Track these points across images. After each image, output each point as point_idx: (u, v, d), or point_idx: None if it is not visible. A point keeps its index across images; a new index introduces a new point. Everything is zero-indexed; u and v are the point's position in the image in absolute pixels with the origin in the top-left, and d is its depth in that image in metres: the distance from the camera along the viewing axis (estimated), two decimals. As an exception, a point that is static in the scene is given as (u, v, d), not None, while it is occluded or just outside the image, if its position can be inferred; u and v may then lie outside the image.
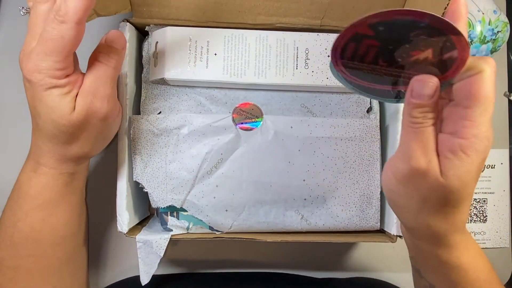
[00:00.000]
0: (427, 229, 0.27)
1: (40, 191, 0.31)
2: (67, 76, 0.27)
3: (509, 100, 0.50)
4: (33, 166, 0.31)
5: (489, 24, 0.46)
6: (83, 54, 0.30)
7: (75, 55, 0.29)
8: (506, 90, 0.50)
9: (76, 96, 0.28)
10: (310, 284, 0.45)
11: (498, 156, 0.50)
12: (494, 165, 0.50)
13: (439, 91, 0.24)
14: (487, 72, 0.23)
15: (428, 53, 0.23)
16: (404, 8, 0.22)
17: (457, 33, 0.22)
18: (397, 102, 0.28)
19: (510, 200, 0.49)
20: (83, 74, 0.29)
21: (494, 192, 0.49)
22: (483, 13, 0.45)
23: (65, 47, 0.26)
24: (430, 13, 0.22)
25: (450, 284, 0.29)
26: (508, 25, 0.46)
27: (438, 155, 0.24)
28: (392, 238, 0.37)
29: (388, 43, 0.24)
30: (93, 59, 0.29)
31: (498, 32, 0.46)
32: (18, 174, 0.32)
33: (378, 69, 0.25)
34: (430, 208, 0.25)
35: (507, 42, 0.48)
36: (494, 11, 0.46)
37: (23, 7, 0.30)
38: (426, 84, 0.23)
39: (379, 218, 0.38)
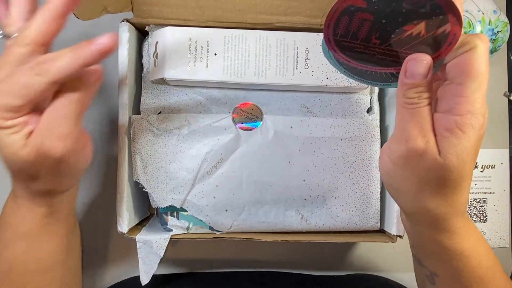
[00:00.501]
0: (427, 213, 0.26)
1: (20, 221, 0.29)
2: (18, 117, 0.24)
3: (509, 100, 0.50)
4: (12, 195, 0.29)
5: (489, 24, 0.46)
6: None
7: None
8: (506, 90, 0.50)
9: (30, 134, 0.25)
10: (312, 282, 0.45)
11: (498, 156, 0.50)
12: (494, 165, 0.50)
13: (433, 70, 0.23)
14: (480, 48, 0.22)
15: (421, 28, 0.23)
16: None
17: (451, 5, 0.22)
18: (389, 86, 0.28)
19: (510, 200, 0.49)
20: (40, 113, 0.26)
21: (494, 192, 0.49)
22: (483, 13, 0.45)
23: (28, 96, 0.24)
24: None
25: (452, 271, 0.28)
26: (508, 25, 0.46)
27: (435, 135, 0.24)
28: (392, 238, 0.37)
29: (381, 16, 0.23)
30: (58, 89, 0.25)
31: (498, 32, 0.46)
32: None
33: (371, 48, 0.25)
34: (429, 190, 0.25)
35: (507, 42, 0.48)
36: (494, 11, 0.46)
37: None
38: (420, 62, 0.23)
39: (379, 218, 0.38)
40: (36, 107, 0.25)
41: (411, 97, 0.24)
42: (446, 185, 0.24)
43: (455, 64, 0.23)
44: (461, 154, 0.23)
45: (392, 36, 0.24)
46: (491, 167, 0.50)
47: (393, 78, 0.27)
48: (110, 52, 0.25)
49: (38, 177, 0.27)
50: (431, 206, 0.25)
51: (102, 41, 0.25)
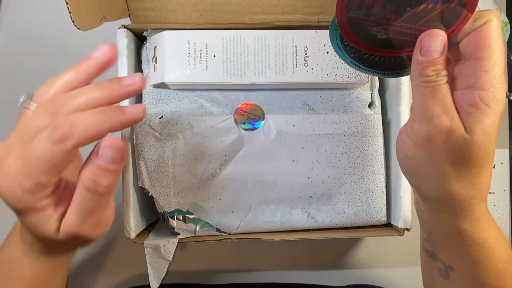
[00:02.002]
0: (451, 197, 0.24)
1: (34, 272, 0.29)
2: (47, 196, 0.24)
3: (509, 100, 0.50)
4: (24, 249, 0.28)
5: None
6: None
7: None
8: (506, 90, 0.50)
9: (63, 215, 0.24)
10: None
11: (498, 156, 0.50)
12: (494, 165, 0.49)
13: (447, 48, 0.23)
14: (494, 21, 0.22)
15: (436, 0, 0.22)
16: None
17: None
18: (398, 75, 0.27)
19: (510, 200, 0.49)
20: (70, 188, 0.25)
21: (494, 192, 0.49)
22: None
23: (51, 169, 0.22)
24: None
25: (470, 264, 0.26)
26: (508, 25, 0.46)
27: (457, 112, 0.23)
28: (399, 231, 0.37)
29: None
30: (80, 181, 0.24)
31: None
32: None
33: (384, 25, 0.24)
34: (456, 171, 0.23)
35: (507, 42, 0.48)
36: None
37: (25, 95, 0.24)
38: (435, 38, 0.22)
39: (386, 212, 0.38)
40: (58, 186, 0.25)
41: (429, 75, 0.23)
42: (473, 164, 0.23)
43: (472, 39, 0.23)
44: (488, 130, 0.22)
45: (408, 8, 0.23)
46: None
47: (403, 65, 0.26)
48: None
49: (63, 247, 0.27)
50: (457, 190, 0.24)
51: (128, 82, 0.25)
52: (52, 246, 0.27)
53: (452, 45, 0.24)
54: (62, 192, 0.25)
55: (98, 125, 0.23)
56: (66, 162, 0.23)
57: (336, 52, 0.27)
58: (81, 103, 0.23)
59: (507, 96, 0.50)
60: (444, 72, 0.23)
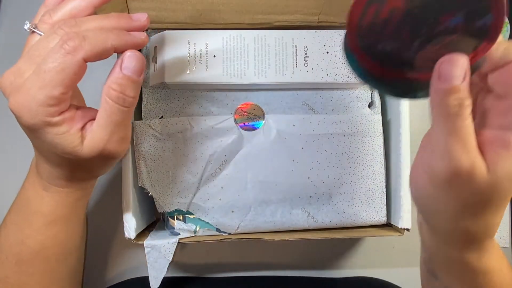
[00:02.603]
0: (463, 234, 0.23)
1: (54, 208, 0.30)
2: (61, 113, 0.24)
3: None
4: (43, 185, 0.30)
5: None
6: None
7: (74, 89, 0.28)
8: None
9: (82, 130, 0.26)
10: (318, 285, 0.45)
11: None
12: None
13: (470, 73, 0.20)
14: None
15: (459, 19, 0.20)
16: None
17: None
18: (412, 97, 0.24)
19: (510, 200, 0.49)
20: (84, 108, 0.27)
21: None
22: None
23: (64, 81, 0.23)
24: None
25: None
26: (508, 25, 0.46)
27: (481, 151, 0.21)
28: (399, 231, 0.37)
29: (415, 4, 0.20)
30: (106, 95, 0.25)
31: None
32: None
33: (399, 46, 0.22)
34: (472, 211, 0.22)
35: None
36: None
37: (31, 23, 0.26)
38: (455, 63, 0.20)
39: (386, 212, 0.38)
40: (70, 105, 0.25)
41: (450, 105, 0.20)
42: (491, 205, 0.22)
43: (506, 77, 0.21)
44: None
45: (425, 28, 0.21)
46: None
47: (418, 87, 0.24)
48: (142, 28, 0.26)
49: (88, 169, 0.28)
50: (470, 228, 0.23)
51: (141, 17, 0.27)
52: (74, 167, 0.28)
53: (476, 70, 0.22)
54: (80, 113, 0.26)
55: (106, 40, 0.24)
56: (77, 76, 0.24)
57: (350, 66, 0.24)
58: (90, 26, 0.25)
59: None
60: (468, 102, 0.20)
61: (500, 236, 0.49)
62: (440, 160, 0.21)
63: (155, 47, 0.36)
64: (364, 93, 0.39)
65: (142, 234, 0.38)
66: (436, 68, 0.21)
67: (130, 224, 0.36)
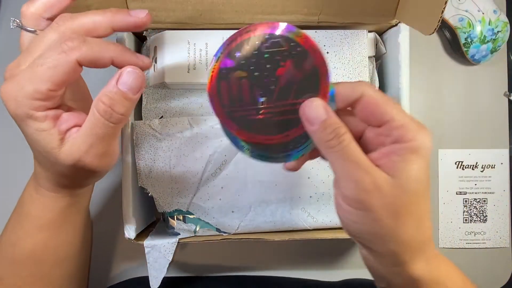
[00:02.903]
0: (403, 247, 0.24)
1: (42, 212, 0.29)
2: (46, 109, 0.24)
3: (509, 100, 0.50)
4: (34, 186, 0.29)
5: (489, 24, 0.46)
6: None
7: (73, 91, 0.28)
8: (506, 90, 0.50)
9: (65, 133, 0.25)
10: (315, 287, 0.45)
11: (498, 156, 0.50)
12: (494, 165, 0.49)
13: (331, 106, 0.24)
14: (368, 91, 0.23)
15: (290, 67, 0.23)
16: (243, 27, 0.23)
17: (298, 34, 0.23)
18: (302, 151, 0.26)
19: (510, 200, 0.49)
20: (74, 112, 0.26)
21: (494, 192, 0.49)
22: (483, 13, 0.46)
23: (53, 78, 0.23)
24: (264, 23, 0.23)
25: None
26: (508, 25, 0.47)
27: (381, 164, 0.23)
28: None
29: (252, 69, 0.23)
30: (94, 107, 0.24)
31: (498, 32, 0.46)
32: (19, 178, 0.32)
33: (263, 110, 0.24)
34: (400, 222, 0.24)
35: (507, 42, 0.48)
36: (494, 11, 0.46)
37: (14, 19, 0.26)
38: (315, 106, 0.23)
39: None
40: (60, 105, 0.25)
41: (328, 139, 0.23)
42: (411, 211, 0.23)
43: (366, 114, 0.24)
44: (417, 176, 0.23)
45: (273, 87, 0.24)
46: (491, 167, 0.49)
47: (295, 144, 0.26)
48: (141, 27, 0.26)
49: (67, 175, 0.27)
50: (406, 238, 0.24)
51: (139, 14, 0.26)
52: (56, 171, 0.27)
53: (334, 100, 0.25)
54: (66, 115, 0.25)
55: (106, 49, 0.24)
56: (67, 75, 0.23)
57: (235, 147, 0.27)
58: (85, 21, 0.24)
59: (507, 96, 0.50)
60: (343, 130, 0.23)
61: (500, 236, 0.49)
62: (348, 187, 0.23)
63: (155, 47, 0.36)
64: (364, 93, 0.39)
65: (142, 234, 0.38)
66: (301, 118, 0.24)
67: (130, 224, 0.36)
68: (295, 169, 0.27)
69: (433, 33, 0.29)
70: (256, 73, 0.24)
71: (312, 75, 0.24)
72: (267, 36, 0.23)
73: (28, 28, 0.26)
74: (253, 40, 0.23)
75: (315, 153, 0.27)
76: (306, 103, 0.23)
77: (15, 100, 0.23)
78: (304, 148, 0.26)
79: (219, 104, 0.24)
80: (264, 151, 0.26)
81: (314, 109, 0.23)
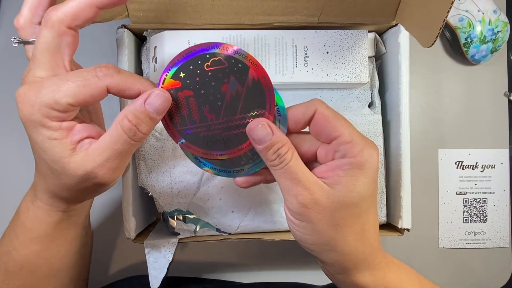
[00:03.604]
0: (345, 257, 0.26)
1: (35, 224, 0.29)
2: (60, 120, 0.24)
3: (509, 100, 0.50)
4: (31, 197, 0.29)
5: (489, 24, 0.46)
6: (79, 61, 0.30)
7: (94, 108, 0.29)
8: (506, 90, 0.50)
9: (77, 144, 0.24)
10: None
11: (498, 156, 0.50)
12: (494, 165, 0.49)
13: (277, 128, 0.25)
14: (320, 107, 0.25)
15: (234, 84, 0.25)
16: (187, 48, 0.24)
17: (242, 53, 0.24)
18: (253, 170, 0.27)
19: (510, 200, 0.49)
20: (87, 124, 0.25)
21: (494, 192, 0.49)
22: (483, 13, 0.46)
23: (80, 97, 0.23)
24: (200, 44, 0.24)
25: None
26: (508, 25, 0.47)
27: (326, 177, 0.25)
28: (399, 231, 0.37)
29: (198, 87, 0.25)
30: (118, 123, 0.24)
31: (498, 32, 0.46)
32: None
33: (213, 127, 0.26)
34: (341, 233, 0.25)
35: (507, 42, 0.48)
36: (494, 11, 0.46)
37: (14, 37, 0.27)
38: (260, 128, 0.25)
39: (386, 212, 0.38)
40: (75, 119, 0.25)
41: (271, 159, 0.25)
42: (353, 222, 0.25)
43: (316, 129, 0.25)
44: (359, 190, 0.24)
45: (219, 103, 0.25)
46: (491, 167, 0.50)
47: (248, 159, 0.27)
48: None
49: (70, 187, 0.26)
50: (348, 250, 0.26)
51: None
52: (58, 183, 0.26)
53: (283, 122, 0.26)
54: (80, 126, 0.25)
55: (137, 82, 0.24)
56: (92, 97, 0.23)
57: (195, 164, 0.28)
58: (71, 9, 0.24)
59: (507, 96, 0.50)
60: (285, 149, 0.24)
61: (500, 236, 0.49)
62: (290, 202, 0.25)
63: (155, 47, 0.36)
64: (364, 93, 0.39)
65: (142, 234, 0.38)
66: (249, 136, 0.25)
67: (130, 224, 0.36)
68: (244, 185, 0.29)
69: (432, 45, 0.29)
70: (202, 91, 0.25)
71: (256, 90, 0.25)
72: (207, 56, 0.24)
73: (29, 40, 0.26)
74: (196, 60, 0.24)
75: (271, 178, 0.28)
76: (252, 124, 0.25)
77: (32, 106, 0.23)
78: (259, 163, 0.27)
79: (171, 124, 0.25)
80: (221, 166, 0.28)
81: (259, 130, 0.25)
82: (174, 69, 0.25)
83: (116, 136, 0.24)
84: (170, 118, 0.25)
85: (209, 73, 0.25)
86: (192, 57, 0.24)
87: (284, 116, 0.26)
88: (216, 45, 0.25)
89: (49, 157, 0.24)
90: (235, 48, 0.24)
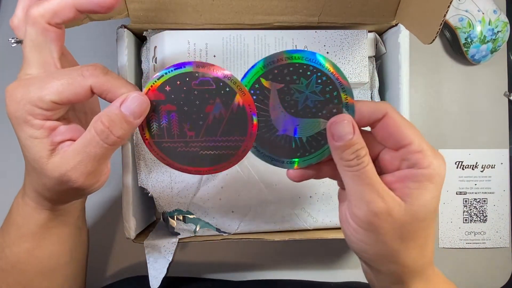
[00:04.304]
0: (403, 269, 0.25)
1: (25, 221, 0.29)
2: (46, 119, 0.23)
3: (509, 100, 0.50)
4: (22, 193, 0.29)
5: (489, 24, 0.46)
6: (79, 61, 0.30)
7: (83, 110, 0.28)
8: (506, 90, 0.50)
9: (57, 145, 0.24)
10: None
11: (498, 156, 0.50)
12: (494, 165, 0.49)
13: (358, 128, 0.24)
14: (391, 112, 0.24)
15: (218, 106, 0.25)
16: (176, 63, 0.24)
17: (233, 79, 0.24)
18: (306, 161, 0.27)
19: (510, 200, 0.49)
20: (71, 127, 0.25)
21: (494, 192, 0.49)
22: (483, 13, 0.46)
23: (62, 93, 0.23)
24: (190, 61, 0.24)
25: None
26: (508, 25, 0.47)
27: (395, 188, 0.24)
28: (399, 232, 0.37)
29: (181, 104, 0.24)
30: (92, 126, 0.23)
31: (498, 32, 0.46)
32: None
33: (191, 144, 0.25)
34: (405, 246, 0.24)
35: (507, 42, 0.48)
36: (494, 11, 0.46)
37: (12, 38, 0.27)
38: (345, 123, 0.23)
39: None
40: (60, 118, 0.25)
41: (349, 159, 0.23)
42: (418, 236, 0.24)
43: (385, 136, 0.24)
44: (428, 203, 0.23)
45: (201, 122, 0.25)
46: (491, 167, 0.49)
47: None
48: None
49: (50, 188, 0.26)
50: (408, 262, 0.25)
51: None
52: (40, 182, 0.26)
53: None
54: (63, 128, 0.24)
55: (124, 86, 0.24)
56: (76, 96, 0.23)
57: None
58: (51, 7, 0.24)
59: (507, 96, 0.50)
60: (364, 152, 0.23)
61: (500, 236, 0.49)
62: (359, 207, 0.24)
63: (155, 47, 0.36)
64: (364, 93, 0.39)
65: (142, 234, 0.38)
66: (328, 130, 0.24)
67: (130, 224, 0.36)
68: (297, 179, 0.28)
69: (432, 41, 0.29)
70: (185, 108, 0.25)
71: (239, 116, 0.25)
72: (196, 74, 0.24)
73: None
74: (184, 76, 0.24)
75: (322, 174, 0.27)
76: (336, 118, 0.24)
77: (17, 102, 0.23)
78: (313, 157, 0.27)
79: (149, 134, 0.25)
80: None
81: (343, 126, 0.23)
82: (160, 82, 0.24)
83: (89, 138, 0.23)
84: (148, 127, 0.25)
85: (195, 92, 0.24)
86: (180, 73, 0.24)
87: (351, 108, 0.25)
88: (205, 65, 0.24)
89: (30, 155, 0.24)
90: (226, 72, 0.24)
